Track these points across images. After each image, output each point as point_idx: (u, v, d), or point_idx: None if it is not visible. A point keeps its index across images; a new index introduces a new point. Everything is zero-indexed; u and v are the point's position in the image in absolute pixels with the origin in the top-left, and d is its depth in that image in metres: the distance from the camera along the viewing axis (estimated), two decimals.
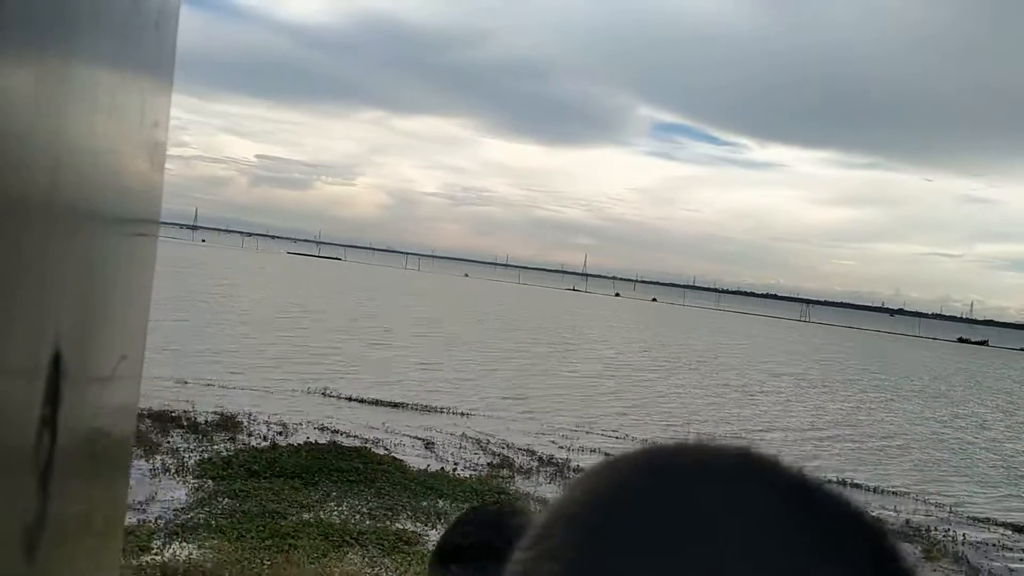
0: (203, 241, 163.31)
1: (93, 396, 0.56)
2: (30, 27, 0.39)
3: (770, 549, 0.35)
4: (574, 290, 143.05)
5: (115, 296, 0.62)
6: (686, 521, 0.36)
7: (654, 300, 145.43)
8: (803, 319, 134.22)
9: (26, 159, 0.39)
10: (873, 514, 0.40)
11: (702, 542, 0.35)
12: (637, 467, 0.40)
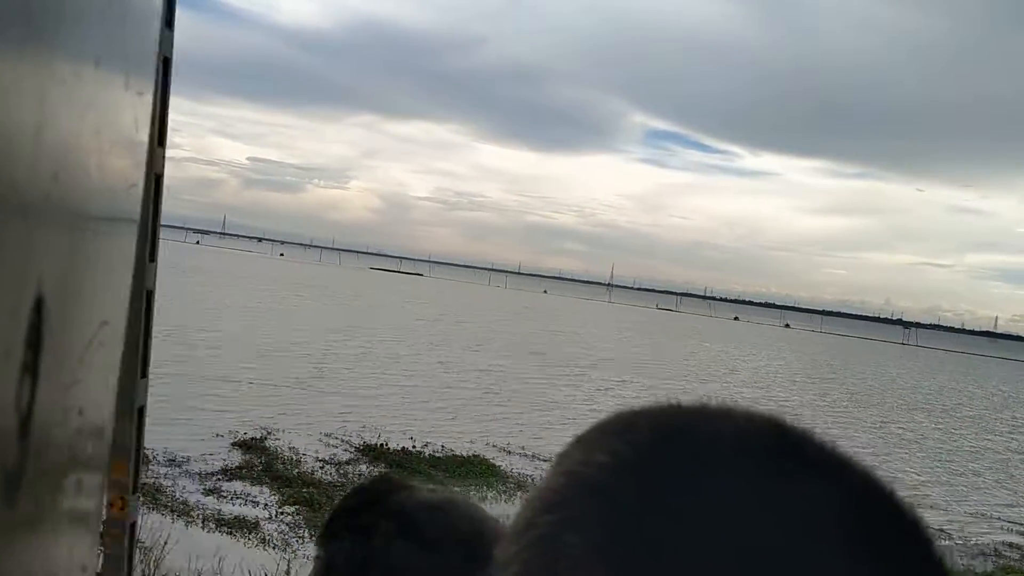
0: (281, 255, 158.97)
1: (75, 351, 0.59)
2: (12, 24, 0.40)
3: (806, 532, 0.33)
4: (658, 308, 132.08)
5: (97, 266, 0.64)
6: (722, 499, 0.34)
7: (736, 319, 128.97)
8: (906, 343, 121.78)
9: (7, 151, 0.40)
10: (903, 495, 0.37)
11: (740, 523, 0.33)
12: (662, 431, 0.37)
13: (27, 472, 0.49)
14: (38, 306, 0.47)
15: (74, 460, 0.63)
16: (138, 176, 0.72)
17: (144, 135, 0.73)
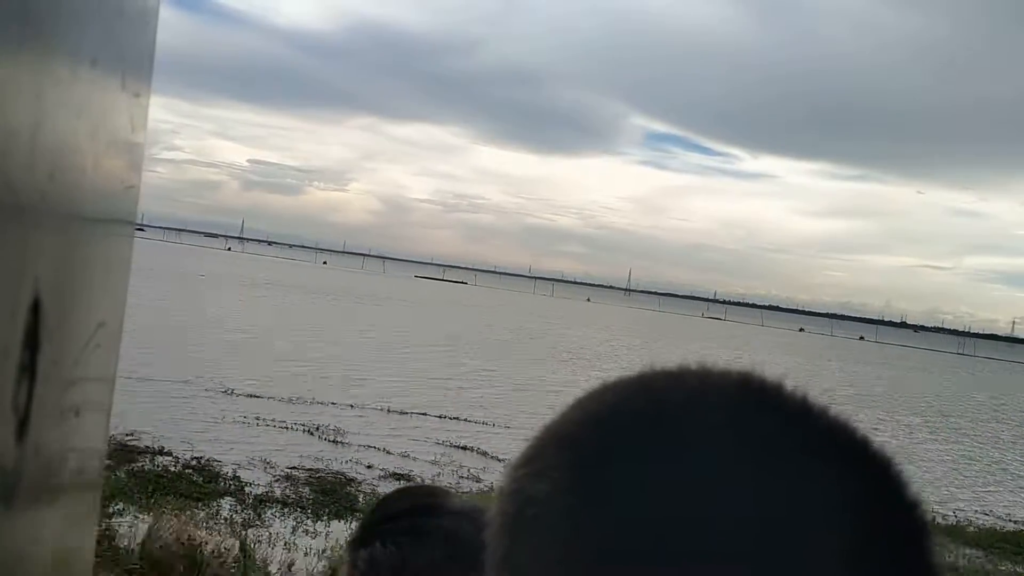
0: (324, 263, 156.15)
1: (72, 352, 0.58)
2: (8, 23, 0.40)
3: (763, 471, 0.33)
4: (703, 316, 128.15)
5: (94, 268, 0.64)
6: (677, 442, 0.35)
7: (801, 330, 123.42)
8: (963, 352, 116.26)
9: (3, 150, 0.40)
10: (879, 442, 0.36)
11: (692, 463, 0.34)
12: (632, 389, 0.39)
13: (25, 473, 0.49)
14: (35, 307, 0.46)
15: (71, 462, 0.62)
16: (135, 178, 0.72)
17: (141, 137, 0.72)
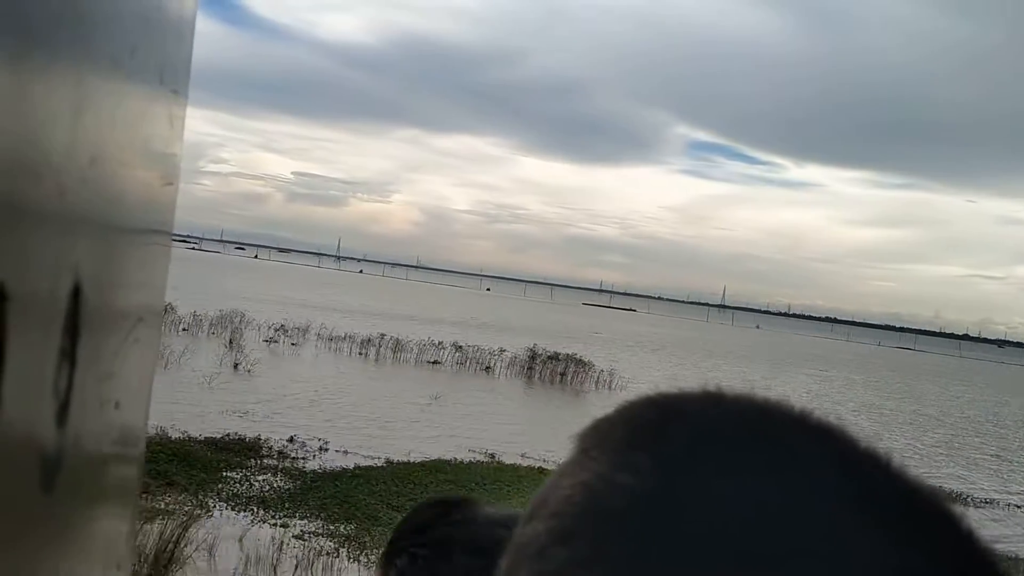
0: (488, 290, 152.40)
1: (112, 343, 0.59)
2: (44, 33, 0.40)
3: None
4: (880, 345, 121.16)
5: (133, 260, 0.65)
6: (772, 549, 0.29)
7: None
8: None
9: (37, 162, 0.39)
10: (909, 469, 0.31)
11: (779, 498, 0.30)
12: (696, 449, 0.32)
13: (65, 460, 0.49)
14: (75, 293, 0.46)
15: (110, 454, 0.63)
16: (173, 173, 0.73)
17: (179, 133, 0.73)
